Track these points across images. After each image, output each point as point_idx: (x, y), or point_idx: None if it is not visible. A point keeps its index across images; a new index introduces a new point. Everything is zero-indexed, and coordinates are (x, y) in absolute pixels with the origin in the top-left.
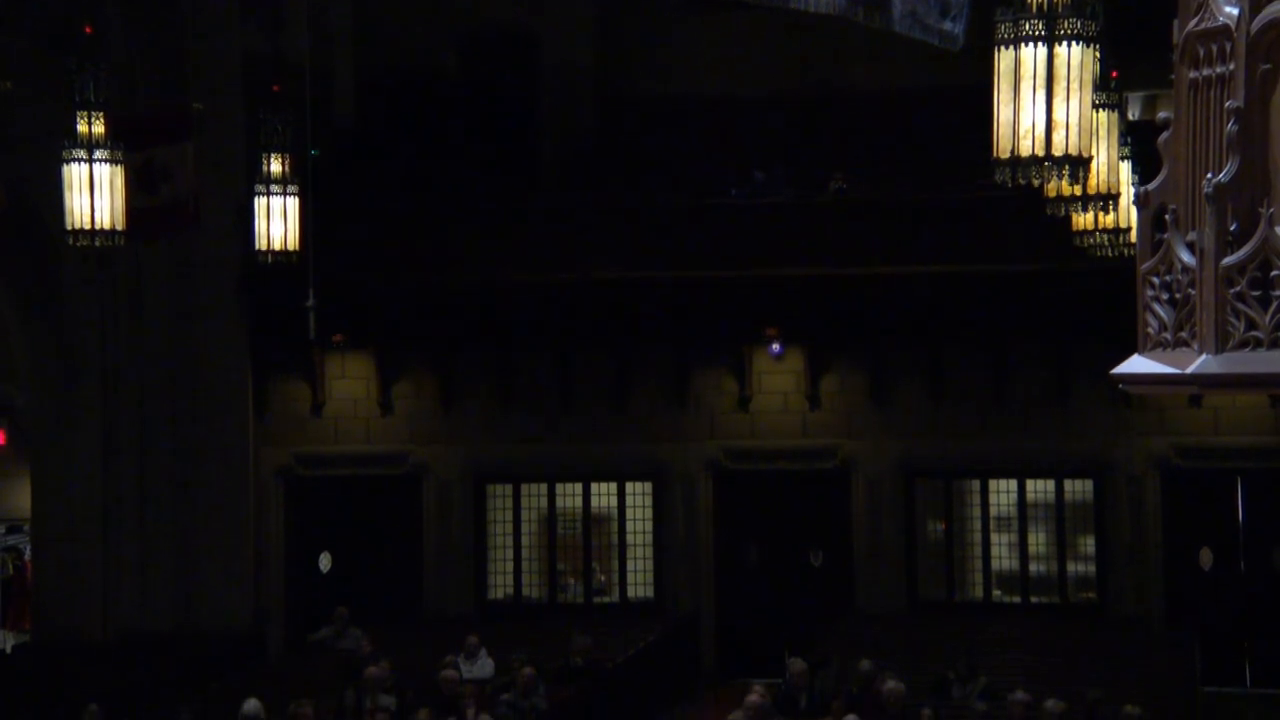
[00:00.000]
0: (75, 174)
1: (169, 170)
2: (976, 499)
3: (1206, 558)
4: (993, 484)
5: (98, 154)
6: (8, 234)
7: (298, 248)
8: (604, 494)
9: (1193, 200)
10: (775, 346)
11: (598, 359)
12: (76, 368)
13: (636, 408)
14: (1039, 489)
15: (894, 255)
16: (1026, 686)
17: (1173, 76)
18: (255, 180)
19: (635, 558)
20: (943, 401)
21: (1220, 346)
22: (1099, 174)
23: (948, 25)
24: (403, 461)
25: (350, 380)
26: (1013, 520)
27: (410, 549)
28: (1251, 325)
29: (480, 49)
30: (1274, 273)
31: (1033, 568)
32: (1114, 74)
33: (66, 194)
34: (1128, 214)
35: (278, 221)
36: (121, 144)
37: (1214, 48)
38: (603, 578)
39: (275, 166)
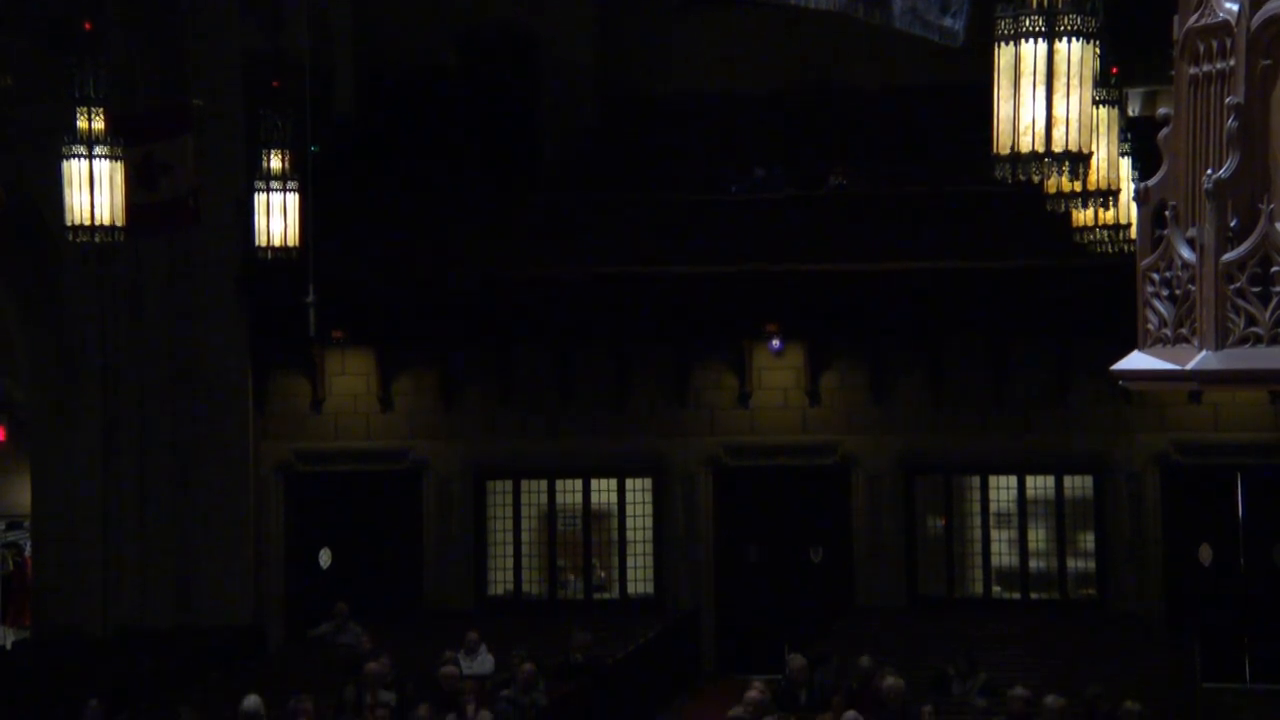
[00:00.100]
0: (75, 170)
1: (169, 166)
2: (976, 495)
3: (1206, 554)
4: (993, 480)
5: (97, 150)
6: (8, 231)
7: (298, 244)
8: (604, 490)
9: (1193, 196)
10: (775, 343)
11: (598, 355)
12: (76, 364)
13: (637, 404)
14: (1039, 485)
15: (894, 251)
16: (1026, 682)
17: (1173, 72)
18: (255, 177)
19: (635, 554)
20: (943, 398)
21: (1220, 343)
22: (1099, 170)
23: (948, 21)
24: (403, 457)
25: (350, 376)
26: (1013, 517)
27: (410, 545)
28: (1252, 321)
29: (480, 46)
30: (1274, 269)
31: (1033, 564)
32: (1114, 70)
33: (66, 190)
34: (1128, 210)
35: (278, 218)
36: (121, 140)
37: (1214, 44)
38: (603, 574)
39: (275, 163)
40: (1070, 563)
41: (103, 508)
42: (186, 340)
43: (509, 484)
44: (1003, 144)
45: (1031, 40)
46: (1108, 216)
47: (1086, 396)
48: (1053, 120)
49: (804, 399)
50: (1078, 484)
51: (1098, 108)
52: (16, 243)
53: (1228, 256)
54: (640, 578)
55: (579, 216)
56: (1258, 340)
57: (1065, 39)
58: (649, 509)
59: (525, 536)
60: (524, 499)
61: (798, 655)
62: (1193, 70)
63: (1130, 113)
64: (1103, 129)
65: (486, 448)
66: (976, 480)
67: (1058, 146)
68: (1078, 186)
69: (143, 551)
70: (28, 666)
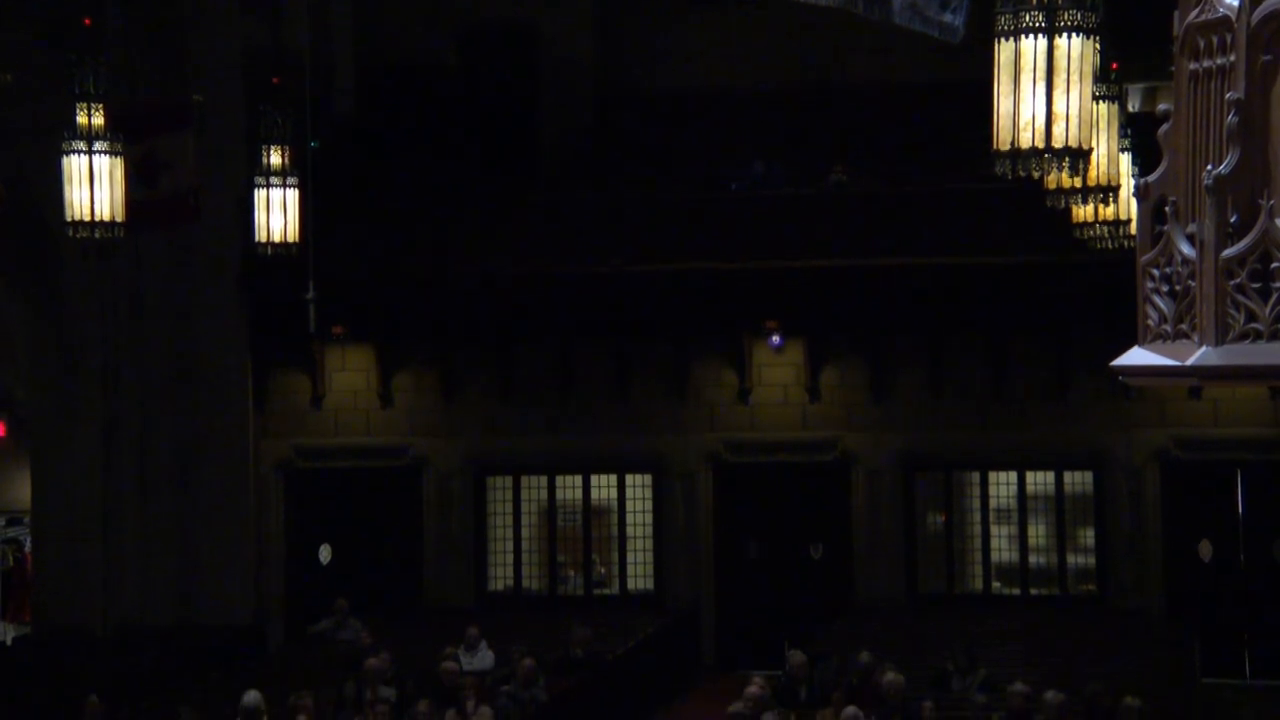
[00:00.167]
0: (75, 166)
1: (169, 163)
2: (976, 491)
3: (1206, 550)
4: (992, 476)
5: (97, 146)
6: (8, 227)
7: (298, 240)
8: (604, 486)
9: (1193, 192)
10: (775, 339)
11: (597, 351)
12: (76, 360)
13: (636, 400)
14: (1039, 481)
15: (894, 248)
16: (1026, 678)
17: (1173, 68)
18: (255, 173)
19: (635, 550)
20: (943, 394)
21: (1220, 338)
22: (1099, 166)
23: (947, 17)
24: (403, 454)
25: (350, 373)
26: (1012, 513)
27: (410, 541)
28: (1251, 317)
29: (480, 43)
30: (1274, 265)
31: (1032, 560)
32: (1114, 66)
33: (66, 186)
34: (1128, 206)
35: (277, 214)
36: (121, 137)
37: (1214, 39)
38: (603, 570)
39: (275, 159)
40: (1070, 559)
41: (103, 504)
42: (187, 336)
43: (509, 480)
44: (1002, 140)
45: (1031, 36)
46: (1108, 212)
47: (1086, 392)
48: (1053, 116)
49: (804, 395)
50: (1078, 480)
51: (1098, 103)
52: (17, 239)
53: (1228, 252)
54: (640, 574)
55: (578, 213)
56: (1258, 336)
57: (1065, 35)
58: (649, 505)
59: (525, 533)
60: (524, 495)
61: (798, 651)
62: (1193, 66)
63: (1130, 108)
64: (1103, 125)
65: (486, 444)
66: (976, 476)
67: (1058, 142)
68: (1078, 182)
69: (143, 548)
70: (28, 663)
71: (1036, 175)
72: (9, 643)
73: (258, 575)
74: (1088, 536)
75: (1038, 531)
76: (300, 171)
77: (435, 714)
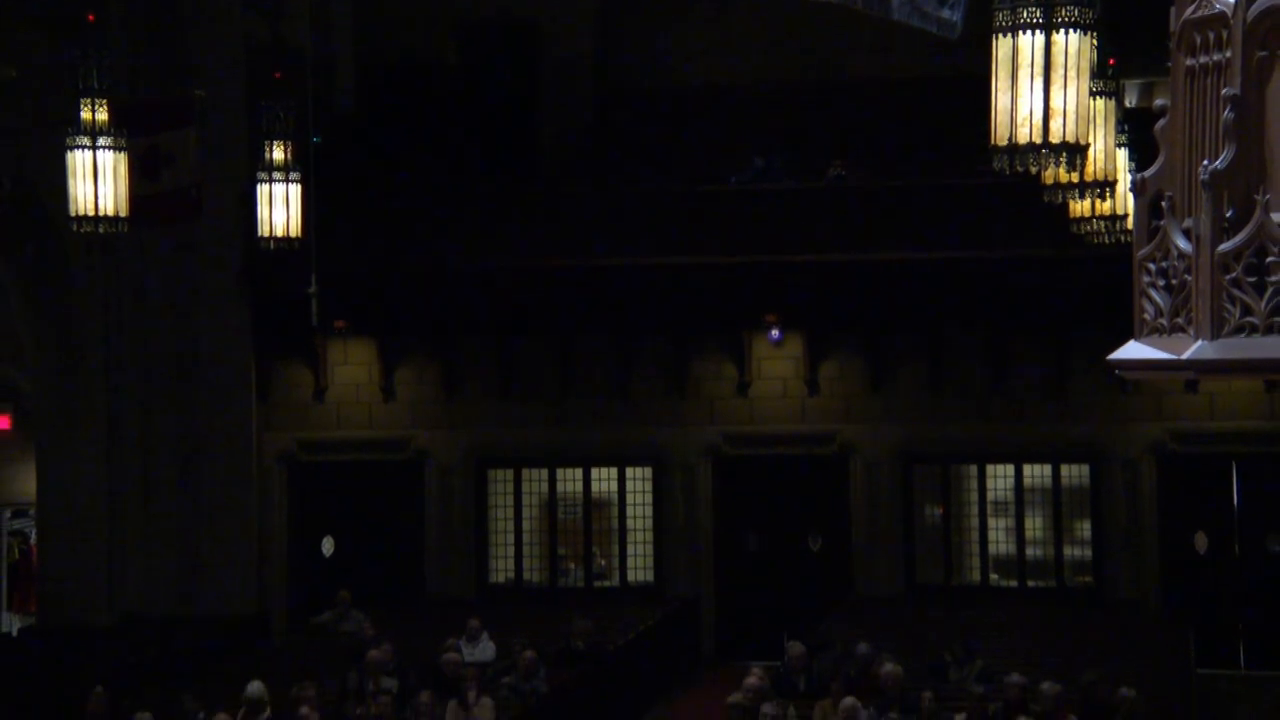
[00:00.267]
0: (79, 161)
1: (171, 158)
2: (974, 484)
3: (1202, 542)
4: (990, 469)
5: (101, 141)
6: (12, 221)
7: (300, 234)
8: (604, 479)
9: (1189, 187)
10: (775, 333)
11: (598, 345)
12: (80, 353)
13: (636, 393)
14: (1036, 474)
15: (892, 242)
16: (1023, 669)
17: (1170, 64)
18: (257, 167)
19: (635, 542)
20: (941, 387)
21: (1216, 332)
22: (1096, 161)
23: (946, 13)
24: (405, 446)
25: (352, 366)
26: (1010, 505)
27: (412, 533)
28: (1247, 311)
29: (481, 40)
30: (1269, 259)
31: (1029, 552)
32: (1111, 61)
33: (70, 181)
34: (1124, 201)
35: (280, 208)
36: (125, 131)
37: (1211, 35)
38: (603, 562)
39: (277, 154)
40: (1067, 551)
41: (107, 496)
42: (190, 330)
43: (510, 473)
44: (1000, 135)
45: (1029, 32)
46: (1105, 207)
47: (1083, 386)
48: (1050, 112)
49: (803, 389)
50: (1074, 473)
51: (1095, 99)
52: (21, 233)
53: (1223, 247)
54: (640, 566)
55: (579, 207)
56: (1253, 330)
57: (1063, 31)
58: (649, 498)
59: (526, 525)
60: (525, 488)
61: (797, 643)
62: (1189, 62)
63: (1127, 104)
64: (1100, 120)
65: (488, 437)
66: (974, 469)
67: (1055, 138)
68: (1075, 177)
69: (147, 540)
70: (33, 654)
71: (1034, 170)
72: (15, 634)
73: (260, 567)
74: (1084, 529)
75: (1035, 524)
76: (302, 167)
77: (437, 705)
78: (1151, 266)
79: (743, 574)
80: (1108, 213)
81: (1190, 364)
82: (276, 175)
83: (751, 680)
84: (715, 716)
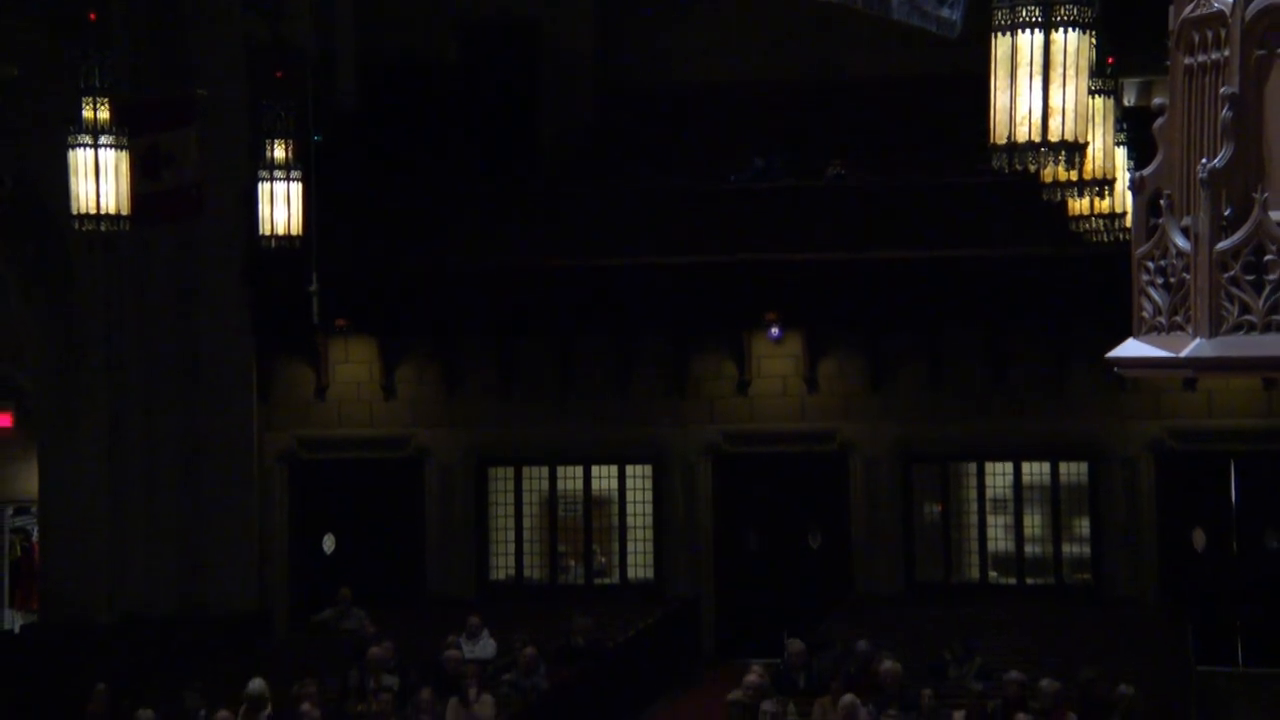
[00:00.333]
0: (81, 159)
1: (173, 157)
2: (973, 482)
3: (1200, 539)
4: (989, 467)
5: (103, 140)
6: (14, 219)
7: (300, 233)
8: (604, 477)
9: (1187, 185)
10: (774, 331)
11: (598, 343)
12: (82, 352)
13: (636, 391)
14: (1035, 472)
15: (892, 240)
16: (1022, 666)
17: (1168, 63)
18: (258, 166)
19: (635, 540)
20: (940, 385)
21: (1214, 330)
22: (1095, 159)
23: (945, 12)
24: (405, 444)
25: (353, 364)
26: (1009, 503)
27: (413, 531)
28: (1245, 309)
29: (481, 38)
30: (1267, 257)
31: (1028, 549)
32: (1110, 60)
33: (72, 179)
34: (1123, 199)
35: (281, 207)
36: (126, 130)
37: (1209, 34)
38: (603, 559)
39: (278, 152)
40: (1065, 548)
41: (109, 494)
42: (191, 328)
43: (510, 471)
44: (1000, 133)
45: (1028, 30)
46: (1103, 205)
47: (1082, 384)
48: (1049, 110)
49: (802, 387)
50: (1073, 470)
51: (1094, 98)
52: (23, 231)
53: (1222, 245)
54: (640, 563)
55: (579, 206)
56: (1251, 328)
57: (1061, 29)
58: (649, 495)
59: (526, 523)
60: (525, 485)
61: (796, 640)
62: (1188, 60)
63: (1126, 102)
64: (1098, 119)
65: (488, 435)
66: (973, 467)
67: (1054, 136)
68: (1074, 176)
69: (148, 537)
70: (35, 651)
71: (1033, 169)
72: (17, 631)
73: (262, 565)
74: (1083, 526)
75: (1034, 522)
76: (303, 165)
77: (438, 702)
78: (1150, 264)
79: (743, 572)
80: (1106, 211)
81: (1188, 362)
82: (277, 174)
83: (751, 678)
84: (715, 714)
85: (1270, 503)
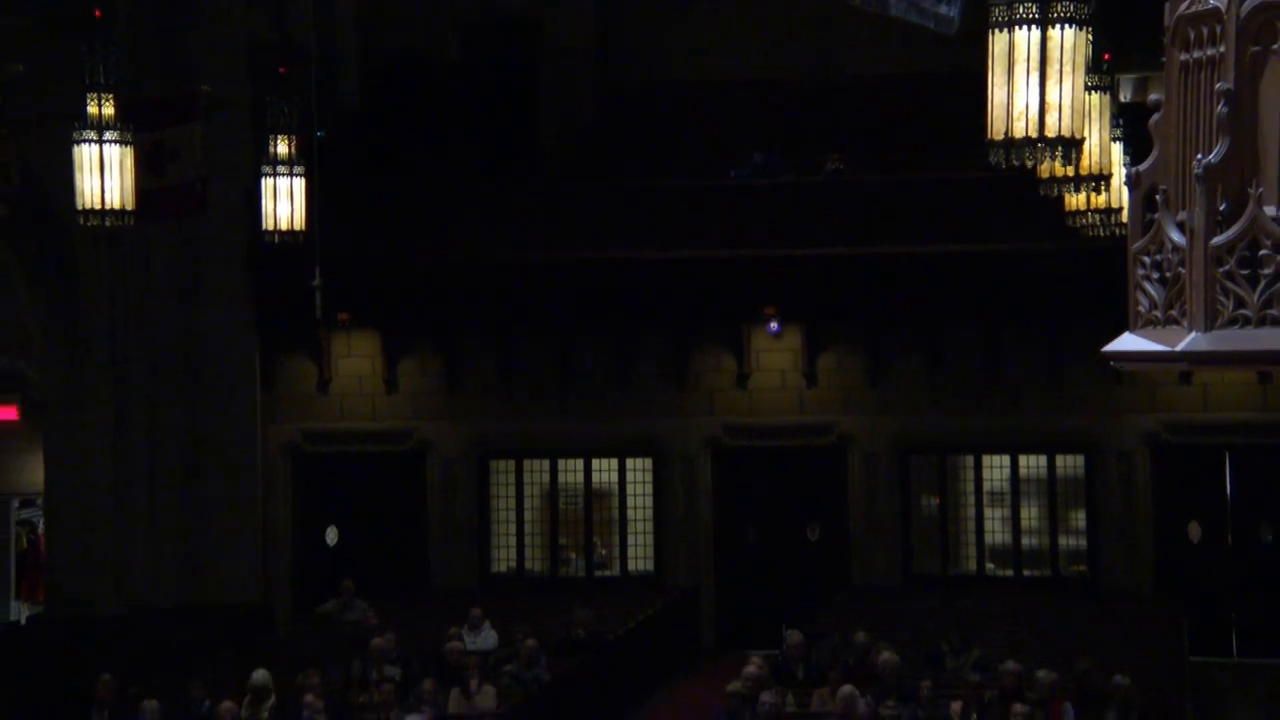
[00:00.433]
0: (86, 155)
1: (177, 153)
2: (970, 474)
3: (1195, 531)
4: (986, 460)
5: (108, 136)
6: (20, 215)
7: (303, 228)
8: (605, 470)
9: (1183, 181)
10: (773, 325)
11: (599, 337)
12: (87, 345)
13: (637, 385)
14: (1031, 465)
15: (890, 235)
16: (1018, 657)
17: (1164, 59)
18: (261, 162)
19: (636, 532)
20: (938, 379)
21: (1209, 324)
22: (1091, 155)
23: (943, 9)
24: (408, 438)
25: (356, 358)
26: (1006, 495)
27: (415, 523)
28: (1240, 303)
29: (482, 33)
30: (1262, 252)
31: (1025, 542)
32: (1106, 57)
33: (77, 175)
34: (1119, 194)
35: (284, 202)
36: (131, 126)
37: (1204, 31)
38: (604, 552)
39: (281, 148)
40: (1062, 540)
41: (114, 486)
42: (195, 322)
43: (512, 464)
44: (997, 130)
45: (1025, 27)
46: (1099, 201)
47: (1078, 377)
48: (1046, 106)
49: (801, 380)
50: (1069, 463)
51: (1090, 94)
52: (29, 226)
53: (1217, 240)
54: (640, 555)
55: (579, 202)
56: (1246, 322)
57: (1058, 26)
58: (649, 488)
59: (528, 515)
60: (526, 478)
61: (795, 631)
62: (1184, 57)
63: (1122, 98)
64: (1095, 115)
65: (490, 428)
66: (970, 460)
67: (1051, 132)
68: (1070, 171)
69: (153, 529)
70: (41, 642)
71: (1030, 164)
72: (23, 622)
73: (265, 557)
74: (1079, 519)
75: (1030, 514)
76: (306, 161)
77: (439, 693)
78: (1146, 259)
79: (742, 563)
80: (1103, 206)
81: (1184, 356)
82: (280, 169)
83: (750, 669)
84: (714, 705)
85: (1265, 495)
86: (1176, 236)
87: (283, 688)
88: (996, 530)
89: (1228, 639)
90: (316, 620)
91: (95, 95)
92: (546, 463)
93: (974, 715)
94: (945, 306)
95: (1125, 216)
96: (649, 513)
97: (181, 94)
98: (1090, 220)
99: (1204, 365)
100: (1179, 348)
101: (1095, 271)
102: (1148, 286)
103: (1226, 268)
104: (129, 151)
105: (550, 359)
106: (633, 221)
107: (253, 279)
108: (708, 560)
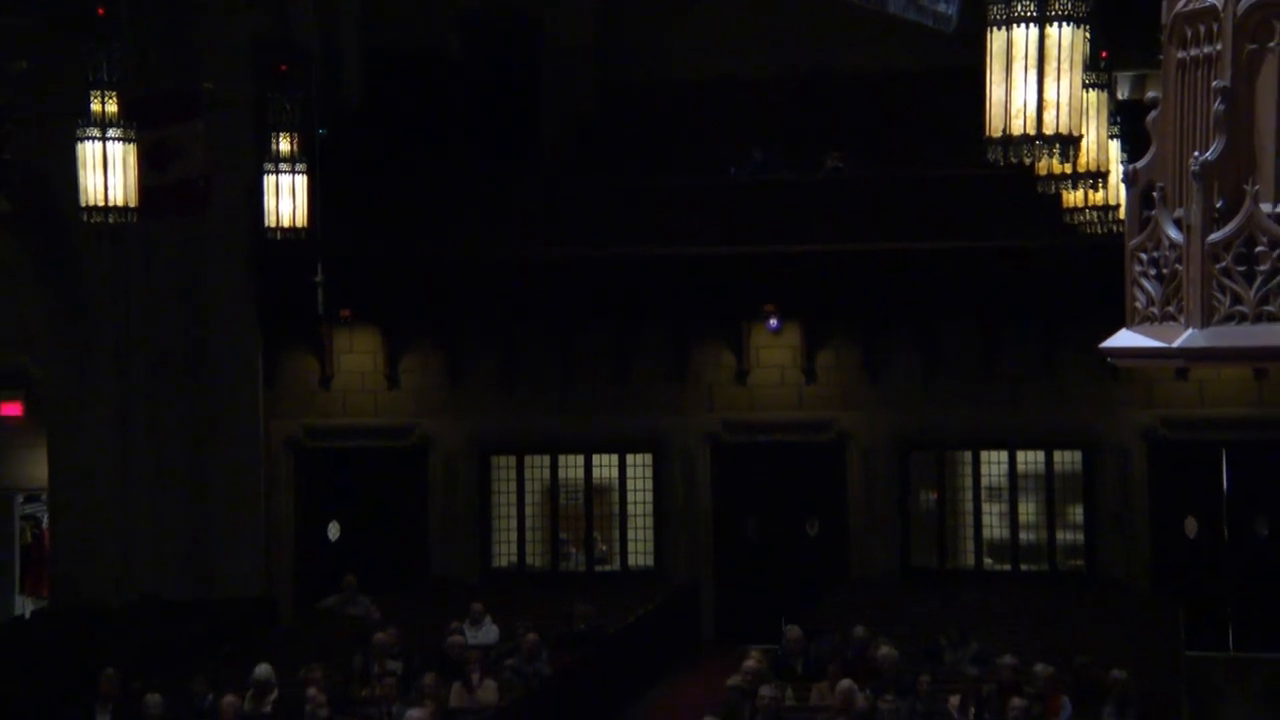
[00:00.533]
0: (89, 152)
1: (179, 151)
2: (968, 470)
3: (1191, 526)
4: (984, 455)
5: (111, 133)
6: (25, 211)
7: (305, 225)
8: (605, 465)
9: (1180, 178)
10: (773, 322)
11: (600, 333)
12: (91, 341)
13: (637, 381)
14: (1029, 460)
15: (889, 232)
16: (1016, 651)
17: (1161, 57)
18: (264, 159)
19: (636, 527)
20: (936, 375)
21: (1206, 321)
22: (1089, 152)
23: (941, 7)
24: (409, 433)
25: (358, 354)
26: (1003, 490)
27: (417, 518)
28: (1236, 300)
29: (483, 30)
30: (1258, 249)
31: (1023, 536)
32: (1104, 54)
33: (81, 172)
34: (1116, 191)
35: (286, 199)
36: (134, 123)
37: (1202, 28)
38: (604, 547)
39: (283, 145)
40: (1059, 535)
41: (118, 481)
42: (198, 319)
43: (513, 459)
44: (995, 127)
45: (1023, 25)
46: (1097, 198)
47: (1076, 374)
48: (1044, 104)
49: (800, 377)
50: (1067, 459)
51: (1088, 91)
52: (33, 223)
53: (1214, 236)
54: (641, 550)
55: (579, 199)
56: (1242, 318)
57: (1056, 24)
58: (649, 484)
59: (529, 510)
60: (527, 474)
61: (794, 626)
62: (1180, 54)
63: (1119, 96)
64: (1092, 112)
65: (491, 424)
66: (968, 455)
67: (1048, 129)
68: (1068, 168)
69: (156, 524)
70: (45, 636)
71: (1028, 161)
72: (28, 617)
73: (268, 552)
74: (1076, 514)
75: (1028, 509)
76: (308, 158)
77: (441, 687)
78: (1143, 256)
79: (741, 558)
80: (1100, 203)
81: (1181, 352)
82: (283, 166)
83: (750, 663)
84: (714, 699)
85: (1261, 491)
86: (1174, 233)
87: (285, 682)
88: (994, 525)
89: (1224, 633)
90: (319, 615)
91: (98, 93)
92: (547, 458)
93: (972, 709)
94: (944, 303)
95: (1122, 213)
96: (649, 508)
97: (184, 91)
98: (1088, 217)
99: (1201, 361)
100: (1176, 344)
101: (1093, 268)
102: (1145, 283)
103: (1223, 264)
104: (132, 149)
105: (551, 355)
106: (633, 219)
107: (255, 276)
108: (707, 555)
